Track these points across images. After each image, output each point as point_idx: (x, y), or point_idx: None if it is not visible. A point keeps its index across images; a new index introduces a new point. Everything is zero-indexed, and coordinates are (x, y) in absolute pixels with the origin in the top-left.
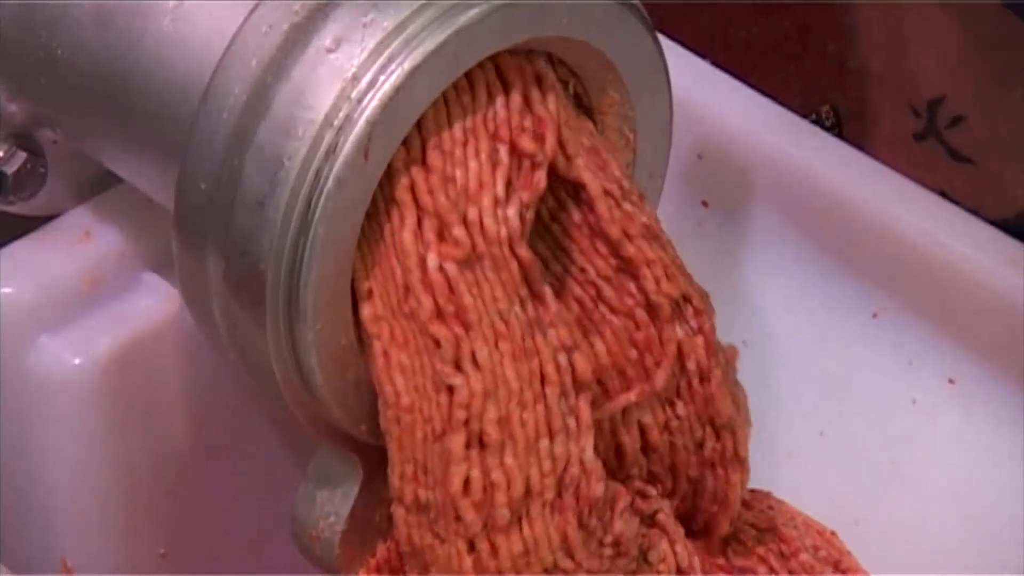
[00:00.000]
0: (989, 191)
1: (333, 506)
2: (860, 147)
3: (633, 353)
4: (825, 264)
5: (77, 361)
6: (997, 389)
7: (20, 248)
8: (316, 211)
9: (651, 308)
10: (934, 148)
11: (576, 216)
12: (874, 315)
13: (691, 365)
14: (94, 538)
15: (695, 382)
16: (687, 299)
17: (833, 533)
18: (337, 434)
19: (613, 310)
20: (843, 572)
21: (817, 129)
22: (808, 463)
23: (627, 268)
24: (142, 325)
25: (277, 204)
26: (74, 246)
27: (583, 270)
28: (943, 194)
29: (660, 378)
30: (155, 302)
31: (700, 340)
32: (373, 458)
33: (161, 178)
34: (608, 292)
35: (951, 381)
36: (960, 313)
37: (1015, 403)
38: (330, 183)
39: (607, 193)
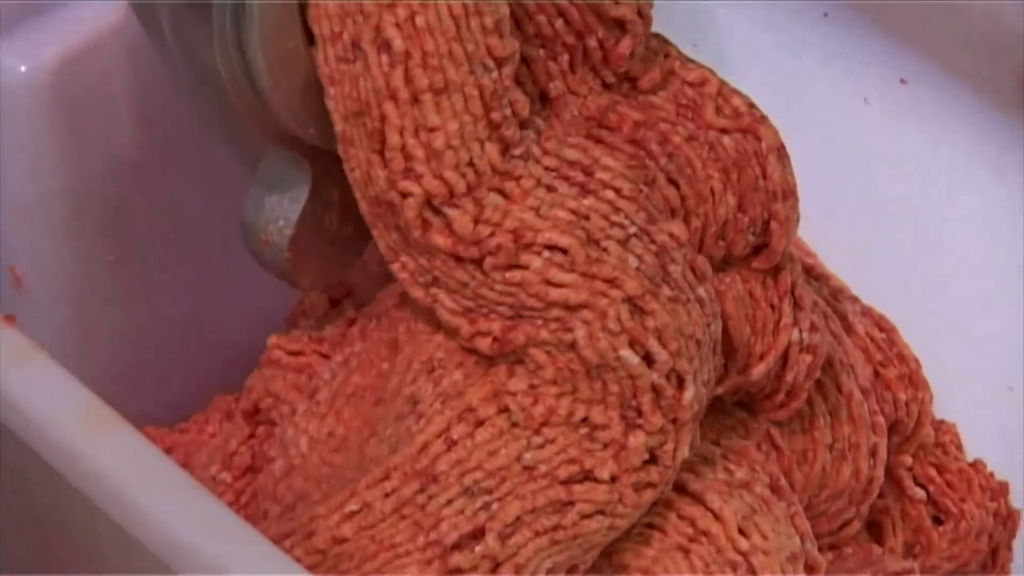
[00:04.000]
0: None
1: (282, 210)
2: None
3: None
4: None
5: (23, 68)
6: (948, 88)
7: None
8: None
9: None
10: None
11: None
12: (824, 14)
13: None
14: (43, 244)
15: None
16: None
17: None
18: (286, 138)
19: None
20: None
21: None
22: None
23: None
24: (88, 32)
25: None
26: None
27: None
28: None
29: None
30: (101, 8)
31: None
32: (322, 162)
33: None
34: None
35: (903, 81)
36: (910, 10)
37: (966, 102)
38: None
39: None
